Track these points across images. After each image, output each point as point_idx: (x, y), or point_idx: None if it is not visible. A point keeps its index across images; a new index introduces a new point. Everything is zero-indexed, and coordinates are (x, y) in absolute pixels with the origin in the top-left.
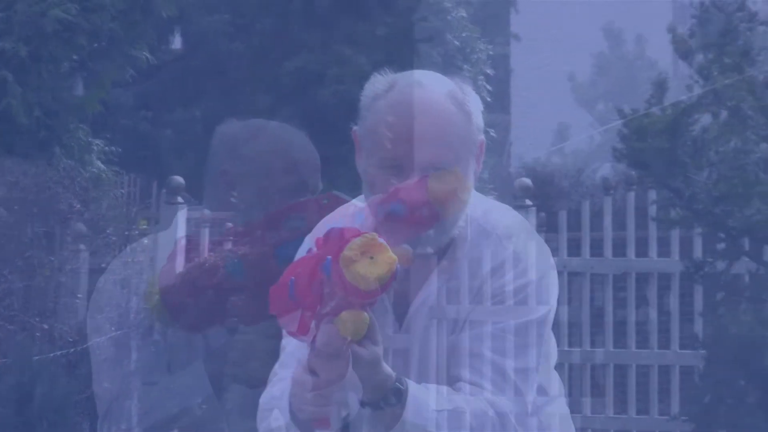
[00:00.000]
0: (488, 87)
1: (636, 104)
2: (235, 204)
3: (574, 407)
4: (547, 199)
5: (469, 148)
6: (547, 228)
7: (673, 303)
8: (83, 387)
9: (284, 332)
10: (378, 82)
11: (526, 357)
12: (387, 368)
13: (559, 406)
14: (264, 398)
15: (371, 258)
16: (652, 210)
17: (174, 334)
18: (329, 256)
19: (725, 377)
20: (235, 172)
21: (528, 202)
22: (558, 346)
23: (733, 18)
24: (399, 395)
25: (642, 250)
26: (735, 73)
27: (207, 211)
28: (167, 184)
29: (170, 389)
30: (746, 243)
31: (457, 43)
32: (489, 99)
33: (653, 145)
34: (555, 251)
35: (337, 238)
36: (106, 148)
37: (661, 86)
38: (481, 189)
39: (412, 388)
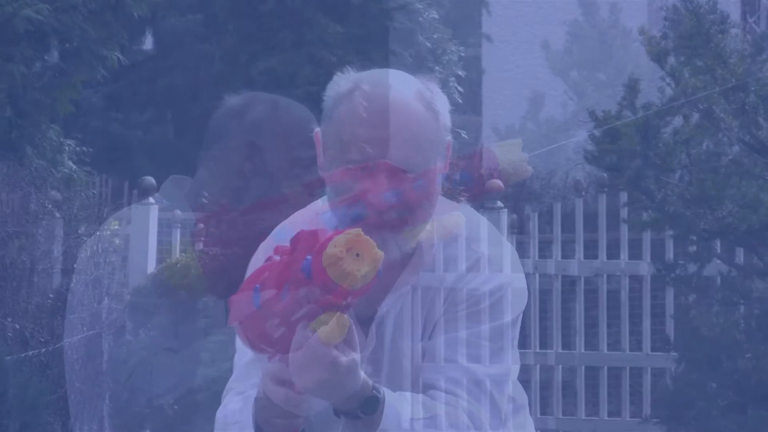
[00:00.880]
0: (459, 88)
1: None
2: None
3: (546, 409)
4: (518, 200)
5: (437, 149)
6: (519, 230)
7: (645, 305)
8: (55, 387)
9: (237, 345)
10: (341, 82)
11: (501, 363)
12: (364, 375)
13: (524, 416)
14: (221, 413)
15: (357, 255)
16: (624, 212)
17: (146, 333)
18: (309, 256)
19: (697, 379)
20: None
21: (499, 203)
22: (529, 348)
23: (705, 20)
24: (375, 404)
25: (613, 253)
26: (707, 76)
27: (178, 212)
28: (139, 185)
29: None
30: (718, 245)
31: (428, 44)
32: (460, 100)
33: (625, 148)
34: (526, 253)
35: (311, 239)
36: (78, 148)
37: (633, 88)
38: (452, 191)
39: (389, 396)
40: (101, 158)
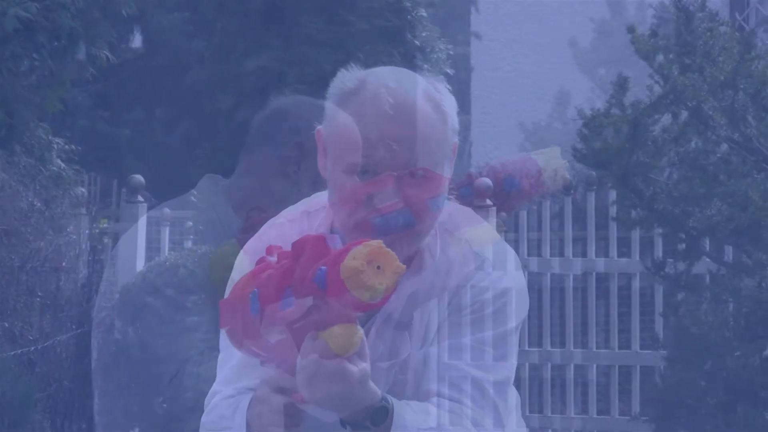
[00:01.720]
0: (448, 87)
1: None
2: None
3: (535, 407)
4: (508, 199)
5: (445, 151)
6: (508, 228)
7: (634, 303)
8: (44, 385)
9: (222, 346)
10: (346, 80)
11: (504, 369)
12: (373, 385)
13: (518, 417)
14: (208, 418)
15: (377, 268)
16: (613, 210)
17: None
18: (323, 267)
19: (686, 377)
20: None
21: (488, 202)
22: (519, 345)
23: (694, 18)
24: (384, 414)
25: (602, 250)
26: (696, 74)
27: (167, 210)
28: (127, 183)
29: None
30: (707, 243)
31: (417, 42)
32: None
33: (613, 146)
34: (516, 251)
35: (319, 246)
36: (67, 146)
37: (621, 86)
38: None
39: (397, 406)
40: (90, 156)
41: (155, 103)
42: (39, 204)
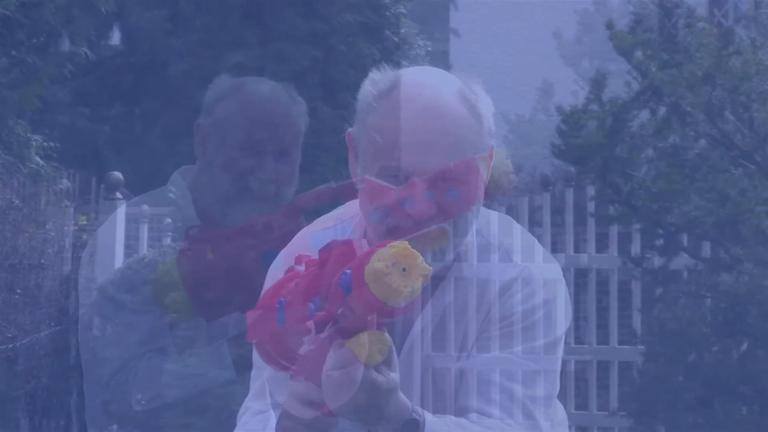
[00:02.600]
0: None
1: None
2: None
3: None
4: (485, 195)
5: (480, 155)
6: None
7: (612, 298)
8: (22, 383)
9: (254, 361)
10: (378, 81)
11: (547, 383)
12: (403, 397)
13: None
14: None
15: (403, 270)
16: (591, 206)
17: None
18: (347, 270)
19: (663, 373)
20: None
21: None
22: None
23: (672, 14)
24: (415, 427)
25: (580, 246)
26: (674, 69)
27: (146, 207)
28: (106, 180)
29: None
30: (684, 239)
31: (395, 39)
32: None
33: (592, 141)
34: None
35: (346, 251)
36: (45, 143)
37: (600, 82)
38: None
39: (429, 419)
40: (68, 153)
41: (135, 99)
42: (17, 201)
